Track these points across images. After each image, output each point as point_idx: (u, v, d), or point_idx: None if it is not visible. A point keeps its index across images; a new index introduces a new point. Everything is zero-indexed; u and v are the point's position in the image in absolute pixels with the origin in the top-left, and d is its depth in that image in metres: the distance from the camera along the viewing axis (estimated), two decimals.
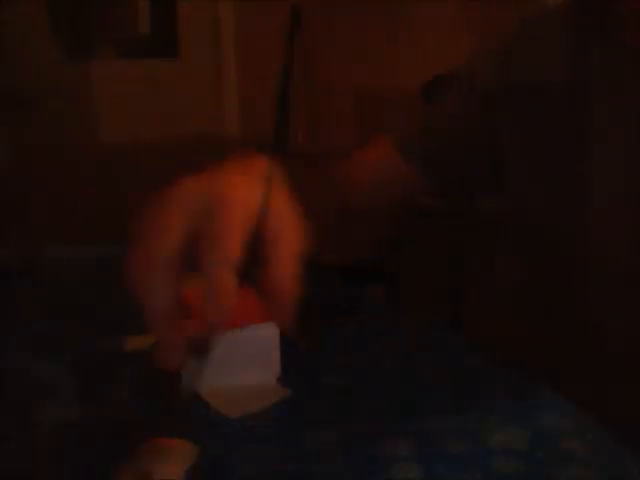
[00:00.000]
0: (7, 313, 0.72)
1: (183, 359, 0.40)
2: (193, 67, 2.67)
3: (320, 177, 0.70)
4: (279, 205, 0.43)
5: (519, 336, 0.80)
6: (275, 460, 0.48)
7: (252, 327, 0.56)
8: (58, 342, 0.65)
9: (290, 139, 2.49)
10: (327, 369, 0.59)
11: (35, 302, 0.76)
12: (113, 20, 2.60)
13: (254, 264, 0.41)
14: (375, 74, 2.27)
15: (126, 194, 2.34)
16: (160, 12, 2.64)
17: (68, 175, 2.46)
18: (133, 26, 2.64)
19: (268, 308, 0.41)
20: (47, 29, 2.49)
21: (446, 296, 1.78)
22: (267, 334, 0.56)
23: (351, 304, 0.69)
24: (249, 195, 0.42)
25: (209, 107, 2.69)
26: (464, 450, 0.48)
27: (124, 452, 0.45)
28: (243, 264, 0.39)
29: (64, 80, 2.51)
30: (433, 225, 1.77)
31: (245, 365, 0.56)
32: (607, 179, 0.62)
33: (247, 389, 0.55)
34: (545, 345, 0.76)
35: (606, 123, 0.62)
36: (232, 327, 0.56)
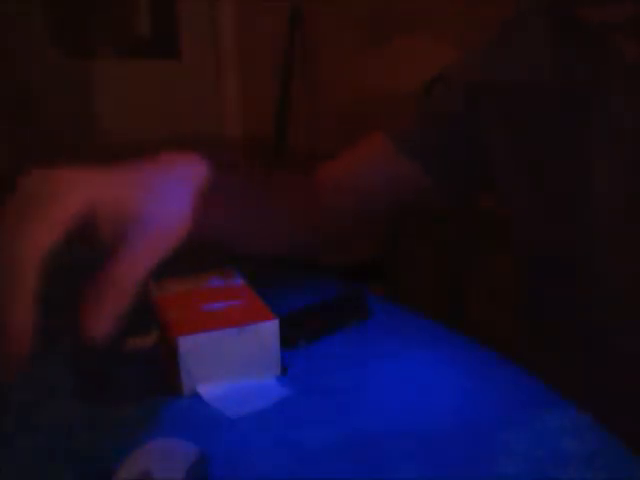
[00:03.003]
0: None
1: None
2: (193, 67, 2.67)
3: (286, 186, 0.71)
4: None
5: (519, 336, 0.80)
6: (275, 460, 0.48)
7: (252, 326, 0.56)
8: (57, 341, 0.64)
9: (290, 139, 2.49)
10: (327, 369, 0.59)
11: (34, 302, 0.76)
12: (113, 20, 2.60)
13: None
14: (376, 74, 2.27)
15: None
16: (160, 12, 2.64)
17: None
18: (133, 26, 2.64)
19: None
20: (47, 29, 2.49)
21: (446, 296, 1.78)
22: (267, 333, 0.56)
23: (352, 304, 0.69)
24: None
25: (209, 107, 2.69)
26: (464, 450, 0.48)
27: (124, 452, 0.45)
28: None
29: (64, 80, 2.51)
30: (433, 225, 1.77)
31: (245, 364, 0.56)
32: (607, 195, 0.61)
33: (247, 389, 0.55)
34: (545, 345, 0.76)
35: (605, 132, 0.61)
36: (232, 326, 0.56)
